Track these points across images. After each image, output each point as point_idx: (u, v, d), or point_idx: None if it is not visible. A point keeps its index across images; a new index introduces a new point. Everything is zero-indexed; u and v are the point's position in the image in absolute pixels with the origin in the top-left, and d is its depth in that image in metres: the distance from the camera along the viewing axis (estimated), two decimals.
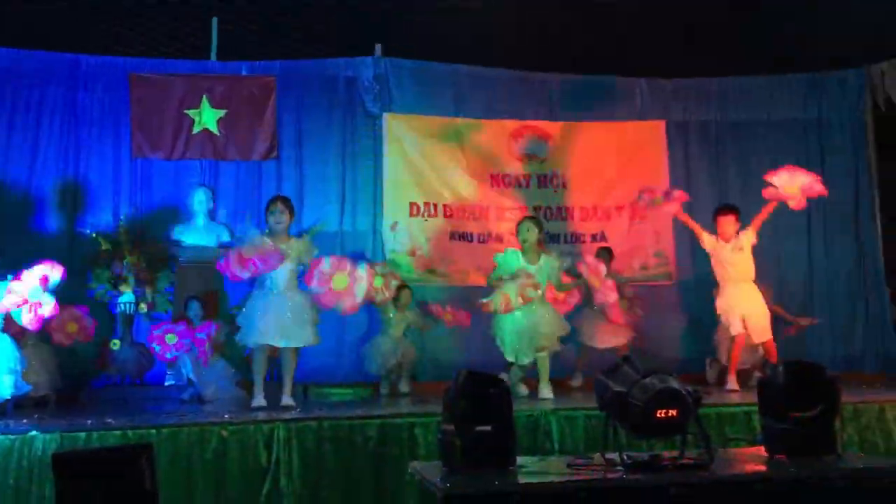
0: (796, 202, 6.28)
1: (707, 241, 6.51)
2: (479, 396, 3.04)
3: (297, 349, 5.65)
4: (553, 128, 8.33)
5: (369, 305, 6.63)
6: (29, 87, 7.56)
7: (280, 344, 5.56)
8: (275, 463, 4.17)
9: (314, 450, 4.24)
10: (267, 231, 5.73)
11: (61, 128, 7.56)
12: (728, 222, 6.41)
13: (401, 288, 7.19)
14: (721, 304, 6.48)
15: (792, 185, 6.26)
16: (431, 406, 4.96)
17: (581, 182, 8.25)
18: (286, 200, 5.84)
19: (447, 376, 7.11)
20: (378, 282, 6.10)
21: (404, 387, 7.13)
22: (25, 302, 4.84)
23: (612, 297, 6.34)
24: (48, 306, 4.92)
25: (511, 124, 8.26)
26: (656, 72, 8.45)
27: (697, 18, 7.97)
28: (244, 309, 5.74)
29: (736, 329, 6.33)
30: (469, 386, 3.08)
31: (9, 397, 5.12)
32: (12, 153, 7.50)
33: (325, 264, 5.54)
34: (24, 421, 4.52)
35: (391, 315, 7.05)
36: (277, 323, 5.50)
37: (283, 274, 5.60)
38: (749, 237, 6.39)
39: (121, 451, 2.79)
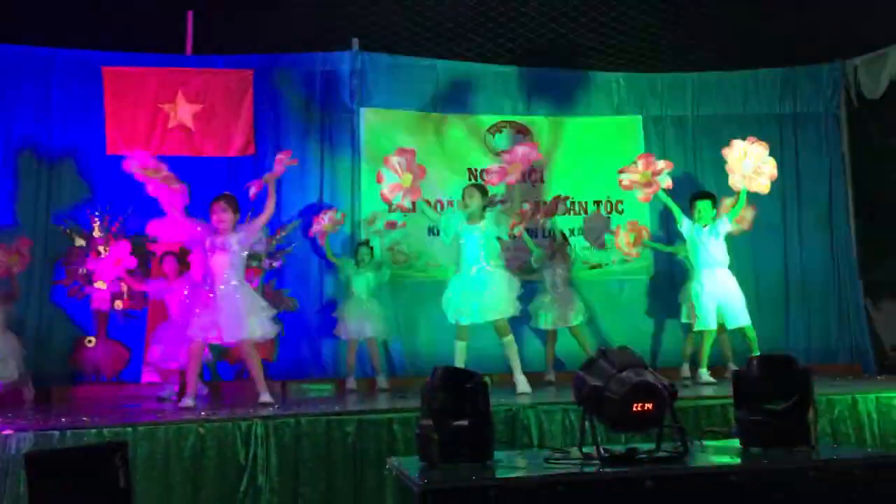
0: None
1: (685, 224, 6.58)
2: (457, 391, 3.04)
3: (251, 343, 5.62)
4: (531, 123, 8.35)
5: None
6: (2, 82, 7.44)
7: (217, 341, 5.60)
8: (252, 459, 4.15)
9: (292, 446, 4.22)
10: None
11: (35, 123, 7.45)
12: (705, 207, 6.59)
13: (360, 245, 7.29)
14: (695, 287, 6.56)
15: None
16: (410, 402, 4.98)
17: (559, 176, 8.28)
18: (229, 199, 5.83)
19: (427, 372, 7.24)
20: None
21: (383, 383, 7.13)
22: None
23: None
24: None
25: (488, 119, 8.27)
26: (633, 67, 8.50)
27: (673, 13, 8.02)
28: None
29: (705, 324, 6.41)
30: (446, 380, 3.08)
31: None
32: None
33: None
34: None
35: (350, 274, 7.14)
36: (212, 319, 5.49)
37: (220, 269, 5.63)
38: (725, 224, 6.50)
39: (94, 449, 2.76)
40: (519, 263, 7.65)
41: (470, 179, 8.03)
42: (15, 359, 6.43)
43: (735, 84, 8.60)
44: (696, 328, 6.66)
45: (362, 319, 7.15)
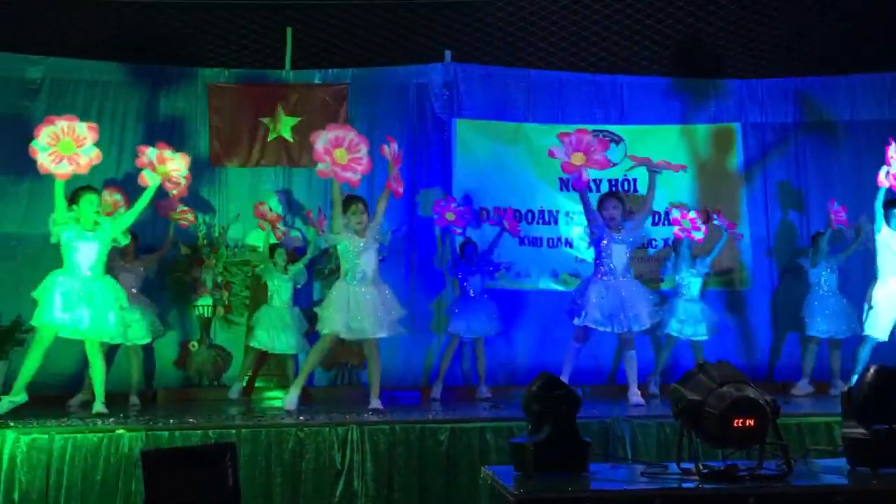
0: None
1: (884, 230, 6.38)
2: (551, 401, 3.04)
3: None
4: (624, 131, 8.25)
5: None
6: (115, 97, 7.85)
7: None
8: (348, 464, 4.24)
9: (386, 453, 4.29)
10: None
11: (144, 135, 7.83)
12: None
13: (464, 244, 7.32)
14: (875, 294, 6.35)
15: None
16: (503, 411, 5.01)
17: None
18: (364, 202, 6.05)
19: (519, 380, 7.24)
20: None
21: (483, 391, 7.09)
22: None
23: None
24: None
25: (582, 128, 8.20)
26: (731, 73, 8.30)
27: (773, 16, 7.80)
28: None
29: (878, 331, 6.23)
30: (542, 389, 3.08)
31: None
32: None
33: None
34: (111, 420, 4.70)
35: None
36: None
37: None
38: None
39: (205, 449, 2.89)
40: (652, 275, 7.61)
41: (561, 190, 8.00)
42: (149, 321, 6.73)
43: (842, 89, 8.26)
44: (867, 334, 6.38)
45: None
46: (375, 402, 5.57)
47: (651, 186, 6.32)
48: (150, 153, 5.94)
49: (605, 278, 6.07)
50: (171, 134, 7.83)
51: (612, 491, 2.73)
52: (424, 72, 8.18)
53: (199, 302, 7.53)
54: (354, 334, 5.69)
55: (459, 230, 7.36)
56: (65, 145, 5.29)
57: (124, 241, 5.89)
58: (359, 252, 5.82)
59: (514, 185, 8.07)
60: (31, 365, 5.22)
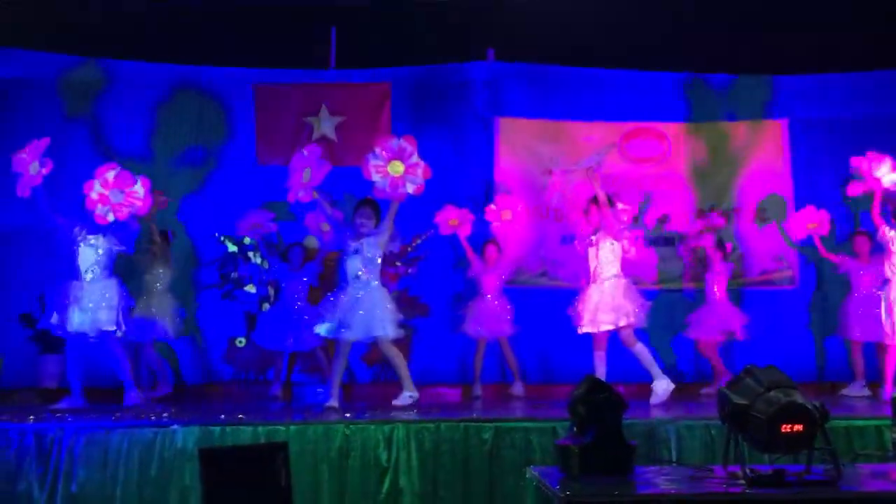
0: None
1: None
2: (596, 403, 3.06)
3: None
4: (668, 129, 8.19)
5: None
6: (163, 97, 8.02)
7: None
8: (394, 462, 4.30)
9: (431, 451, 4.34)
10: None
11: (196, 136, 7.98)
12: None
13: (488, 242, 7.29)
14: None
15: None
16: (545, 410, 5.03)
17: (697, 184, 8.08)
18: (373, 204, 5.94)
19: (557, 378, 7.25)
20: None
21: (518, 389, 7.13)
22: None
23: None
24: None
25: (624, 126, 8.18)
26: (777, 68, 8.18)
27: (819, 9, 7.67)
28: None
29: None
30: (587, 392, 3.11)
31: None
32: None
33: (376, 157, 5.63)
34: (165, 415, 4.83)
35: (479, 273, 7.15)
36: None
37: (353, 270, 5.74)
38: None
39: (260, 448, 2.98)
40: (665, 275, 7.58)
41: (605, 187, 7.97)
42: (171, 321, 6.81)
43: (893, 83, 8.09)
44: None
45: (489, 317, 7.12)
46: (399, 399, 5.62)
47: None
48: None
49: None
50: (218, 134, 8.03)
51: (658, 494, 2.74)
52: (467, 70, 8.21)
53: (246, 299, 7.69)
54: (354, 335, 5.68)
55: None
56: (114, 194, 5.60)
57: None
58: (351, 254, 5.79)
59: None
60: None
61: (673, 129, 8.20)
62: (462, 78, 8.20)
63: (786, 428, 2.74)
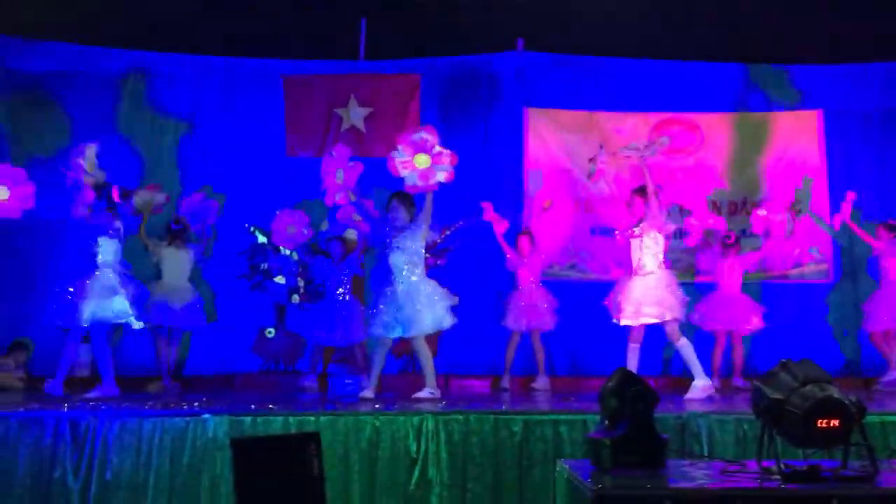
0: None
1: None
2: (626, 396, 3.04)
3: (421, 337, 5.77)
4: (700, 119, 8.10)
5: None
6: (193, 89, 8.07)
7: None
8: (423, 453, 4.31)
9: (460, 442, 4.34)
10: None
11: (224, 127, 8.04)
12: None
13: (521, 234, 7.29)
14: None
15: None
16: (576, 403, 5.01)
17: (729, 176, 7.98)
18: (404, 196, 5.92)
19: (587, 372, 7.23)
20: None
21: (540, 383, 7.11)
22: None
23: None
24: None
25: (655, 117, 8.10)
26: (813, 58, 8.04)
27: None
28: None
29: None
30: (619, 385, 3.08)
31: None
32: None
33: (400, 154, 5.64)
34: (196, 404, 4.89)
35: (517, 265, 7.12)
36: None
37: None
38: None
39: (292, 438, 2.99)
40: (685, 265, 7.49)
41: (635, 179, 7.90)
42: (192, 309, 6.89)
43: None
44: None
45: (528, 310, 7.10)
46: (420, 393, 5.63)
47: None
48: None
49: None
50: (246, 125, 8.08)
51: (691, 489, 2.71)
52: (496, 60, 8.19)
53: (276, 289, 7.74)
54: (390, 332, 5.71)
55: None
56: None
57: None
58: (392, 249, 5.80)
59: (586, 173, 7.99)
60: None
61: (705, 120, 8.09)
62: (491, 69, 8.18)
63: (822, 423, 2.70)
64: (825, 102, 8.04)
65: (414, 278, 5.73)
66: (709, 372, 7.12)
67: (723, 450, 4.27)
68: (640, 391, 3.09)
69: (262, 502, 2.59)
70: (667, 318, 5.80)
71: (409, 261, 5.75)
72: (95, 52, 7.85)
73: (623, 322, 5.97)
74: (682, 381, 7.28)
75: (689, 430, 4.39)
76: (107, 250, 5.92)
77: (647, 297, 5.84)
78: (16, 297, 7.29)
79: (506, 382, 7.09)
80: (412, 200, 5.89)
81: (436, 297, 5.73)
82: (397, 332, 5.69)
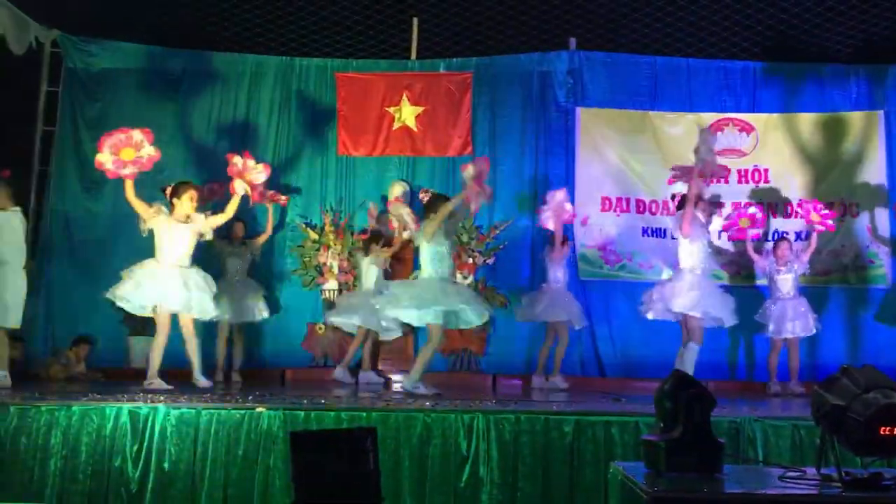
0: None
1: None
2: (682, 400, 3.01)
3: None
4: (755, 120, 7.96)
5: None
6: (248, 88, 8.18)
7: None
8: (474, 451, 4.32)
9: (511, 442, 4.35)
10: None
11: (278, 125, 8.14)
12: None
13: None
14: None
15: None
16: (628, 405, 4.98)
17: (786, 178, 7.83)
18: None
19: (635, 373, 7.19)
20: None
21: (558, 382, 7.05)
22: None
23: None
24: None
25: (709, 117, 7.98)
26: (872, 57, 7.85)
27: None
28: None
29: None
30: (674, 387, 3.06)
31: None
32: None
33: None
34: (250, 398, 4.97)
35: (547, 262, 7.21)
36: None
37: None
38: None
39: (349, 432, 3.04)
40: (737, 269, 7.41)
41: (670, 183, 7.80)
42: (255, 303, 7.07)
43: None
44: None
45: (552, 304, 7.08)
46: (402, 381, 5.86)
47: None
48: (237, 161, 6.20)
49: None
50: (300, 123, 8.18)
51: (748, 494, 2.68)
52: (548, 59, 8.15)
53: (326, 286, 7.83)
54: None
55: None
56: (126, 152, 5.69)
57: (209, 236, 6.42)
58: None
59: (640, 174, 7.93)
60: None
61: (761, 121, 7.95)
62: (543, 68, 8.14)
63: (884, 430, 2.64)
64: (888, 103, 7.83)
65: (424, 275, 5.94)
66: (765, 376, 7.05)
67: (778, 455, 4.21)
68: (696, 394, 3.06)
69: (319, 494, 2.63)
70: (691, 314, 6.18)
71: (423, 258, 5.96)
72: (157, 53, 8.01)
73: (649, 317, 6.52)
74: (747, 385, 7.25)
75: (743, 435, 4.33)
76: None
77: (677, 291, 6.23)
78: (81, 292, 7.46)
79: (538, 382, 7.08)
80: (434, 202, 5.99)
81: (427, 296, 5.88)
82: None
